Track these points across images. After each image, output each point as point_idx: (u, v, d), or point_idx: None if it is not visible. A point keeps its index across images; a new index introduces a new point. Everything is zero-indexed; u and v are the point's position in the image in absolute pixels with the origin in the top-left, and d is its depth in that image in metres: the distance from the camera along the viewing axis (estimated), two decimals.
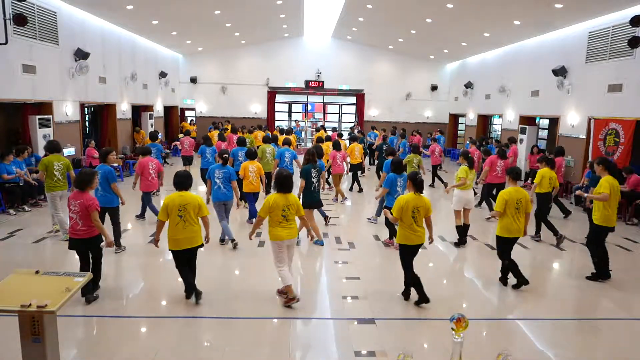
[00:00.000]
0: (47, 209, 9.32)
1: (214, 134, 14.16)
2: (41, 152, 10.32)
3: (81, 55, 11.65)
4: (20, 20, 8.89)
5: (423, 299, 5.11)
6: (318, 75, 21.71)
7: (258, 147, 10.89)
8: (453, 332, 2.94)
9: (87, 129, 14.79)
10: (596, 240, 6.06)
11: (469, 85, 19.01)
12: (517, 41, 14.95)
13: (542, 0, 10.11)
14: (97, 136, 14.66)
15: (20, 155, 9.16)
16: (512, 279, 5.78)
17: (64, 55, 11.29)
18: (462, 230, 7.47)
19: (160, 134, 13.74)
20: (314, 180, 7.20)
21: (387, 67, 21.93)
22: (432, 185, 12.97)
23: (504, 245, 5.68)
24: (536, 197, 7.77)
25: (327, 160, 10.74)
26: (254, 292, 5.44)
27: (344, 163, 10.87)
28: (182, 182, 5.03)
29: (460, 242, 7.49)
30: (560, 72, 12.19)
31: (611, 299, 5.61)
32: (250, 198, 8.19)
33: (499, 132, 17.10)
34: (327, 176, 11.09)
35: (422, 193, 5.19)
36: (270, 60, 21.47)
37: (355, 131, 17.23)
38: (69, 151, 11.59)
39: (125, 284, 5.64)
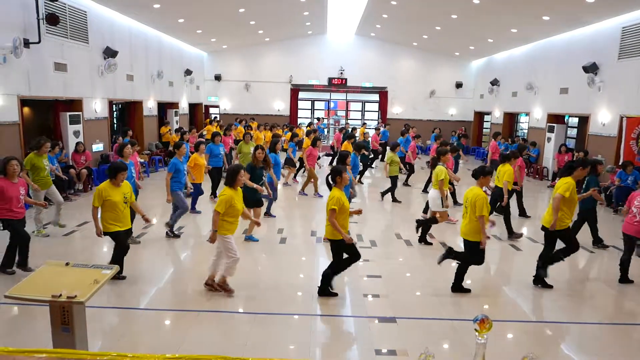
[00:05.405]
0: (77, 202, 9.62)
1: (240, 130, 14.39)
2: (71, 148, 10.64)
3: (110, 53, 11.93)
4: (52, 19, 9.17)
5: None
6: (341, 73, 21.64)
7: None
8: (476, 333, 2.90)
9: (115, 125, 15.14)
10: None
11: (495, 82, 18.62)
12: (545, 37, 14.56)
13: None
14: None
15: (51, 150, 9.43)
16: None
17: (94, 54, 11.58)
18: None
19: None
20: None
21: (411, 64, 21.69)
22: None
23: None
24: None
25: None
26: (275, 288, 5.48)
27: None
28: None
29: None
30: (591, 68, 11.81)
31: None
32: None
33: (526, 131, 16.72)
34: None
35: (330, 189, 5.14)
36: (293, 58, 21.52)
37: (381, 127, 17.10)
38: (97, 147, 11.90)
39: (150, 276, 5.75)
